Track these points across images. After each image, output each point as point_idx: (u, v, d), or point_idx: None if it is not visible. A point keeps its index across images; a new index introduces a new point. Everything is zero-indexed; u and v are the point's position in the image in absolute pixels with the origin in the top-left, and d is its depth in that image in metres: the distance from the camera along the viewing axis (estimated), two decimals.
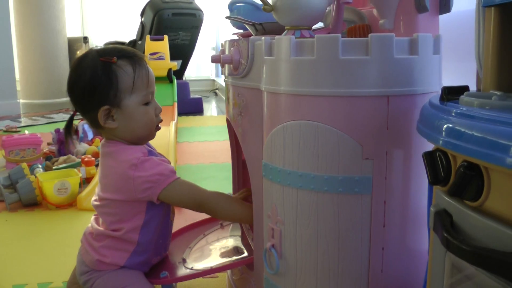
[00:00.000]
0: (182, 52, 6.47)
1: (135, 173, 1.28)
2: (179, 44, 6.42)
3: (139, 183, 1.29)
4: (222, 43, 1.42)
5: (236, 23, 1.56)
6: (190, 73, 7.60)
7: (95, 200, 1.40)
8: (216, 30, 8.25)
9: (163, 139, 3.45)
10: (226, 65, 1.35)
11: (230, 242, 1.56)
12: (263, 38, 1.13)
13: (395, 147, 1.00)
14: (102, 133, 1.38)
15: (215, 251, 1.51)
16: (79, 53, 1.38)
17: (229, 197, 1.41)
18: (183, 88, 5.89)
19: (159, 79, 5.38)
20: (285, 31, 1.17)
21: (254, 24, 1.36)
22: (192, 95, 6.24)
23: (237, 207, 1.39)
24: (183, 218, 2.08)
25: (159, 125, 1.40)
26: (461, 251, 0.60)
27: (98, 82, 1.30)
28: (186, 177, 2.86)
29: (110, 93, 1.29)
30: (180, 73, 6.58)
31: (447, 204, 0.68)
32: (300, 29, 1.15)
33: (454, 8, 1.21)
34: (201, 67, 8.45)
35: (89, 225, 1.43)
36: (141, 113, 1.33)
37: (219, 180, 2.88)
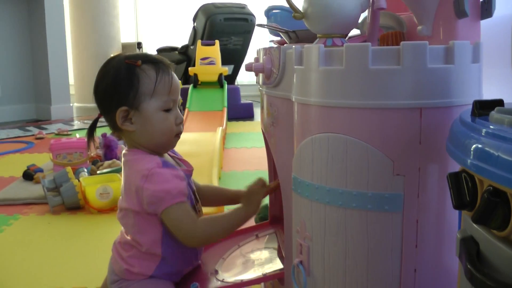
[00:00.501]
0: (234, 57, 6.47)
1: (145, 185, 1.25)
2: (231, 49, 6.43)
3: (146, 196, 1.26)
4: (257, 51, 1.39)
5: (273, 30, 1.53)
6: (242, 78, 7.59)
7: (119, 211, 1.38)
8: (269, 35, 8.21)
9: (209, 145, 3.44)
10: (260, 74, 1.31)
11: (265, 254, 1.52)
12: (294, 46, 1.09)
13: (428, 163, 0.94)
14: (123, 138, 1.38)
15: (248, 263, 1.47)
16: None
17: (217, 220, 1.36)
18: (234, 93, 5.88)
19: (209, 84, 5.41)
20: (317, 39, 1.12)
21: (288, 31, 1.32)
22: (244, 100, 6.22)
23: (228, 226, 1.35)
24: None
25: (179, 135, 1.37)
26: (484, 286, 0.54)
27: (120, 82, 1.30)
28: (230, 184, 2.89)
29: (130, 94, 1.28)
30: (232, 78, 6.58)
31: (475, 231, 0.62)
32: (332, 37, 1.10)
33: (500, 13, 1.14)
34: (253, 72, 8.43)
35: (119, 234, 1.42)
36: (160, 119, 1.30)
37: None
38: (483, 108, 0.71)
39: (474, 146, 0.60)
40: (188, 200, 1.32)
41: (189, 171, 1.38)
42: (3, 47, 5.99)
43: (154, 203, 1.26)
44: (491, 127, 0.62)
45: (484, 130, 0.62)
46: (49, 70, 5.99)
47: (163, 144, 1.34)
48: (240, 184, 2.95)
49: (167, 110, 1.31)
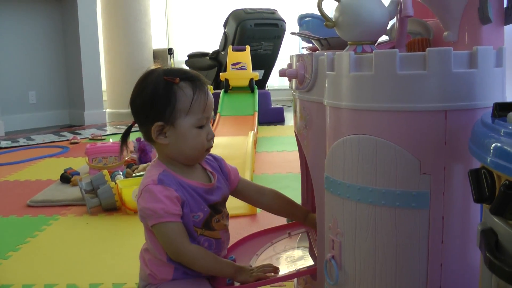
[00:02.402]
0: (264, 62, 6.54)
1: (139, 199, 1.36)
2: (262, 54, 6.49)
3: (139, 210, 1.36)
4: (290, 57, 1.45)
5: (305, 37, 1.59)
6: (272, 83, 7.66)
7: None
8: (300, 40, 8.26)
9: (241, 149, 3.50)
10: (293, 79, 1.37)
11: (297, 252, 1.57)
12: (325, 53, 1.15)
13: (453, 162, 0.99)
14: (155, 148, 1.44)
15: (281, 260, 1.52)
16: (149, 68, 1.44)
17: (208, 256, 1.38)
18: (265, 97, 5.94)
19: (240, 89, 5.48)
20: (348, 46, 1.18)
21: (319, 39, 1.38)
22: (274, 105, 6.28)
23: (214, 266, 1.38)
24: (253, 224, 2.12)
25: (209, 149, 1.43)
26: (502, 272, 0.60)
27: (157, 98, 1.35)
28: None
29: (167, 111, 1.34)
30: (262, 82, 6.64)
31: (493, 223, 0.68)
32: (362, 44, 1.16)
33: None
34: (285, 77, 8.46)
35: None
36: (193, 135, 1.36)
37: (294, 190, 2.85)
38: (503, 109, 0.77)
39: (492, 144, 0.65)
40: (201, 213, 1.38)
41: (209, 186, 1.43)
42: (37, 56, 6.16)
43: (144, 218, 1.35)
44: (509, 127, 0.67)
45: (502, 130, 0.67)
46: (82, 77, 6.15)
47: (193, 157, 1.41)
48: (272, 187, 3.01)
49: (200, 127, 1.37)
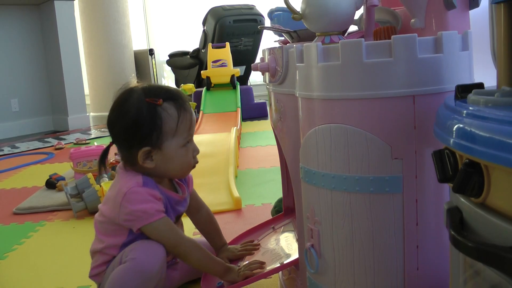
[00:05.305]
0: (245, 57, 6.53)
1: (123, 202, 1.33)
2: (242, 50, 6.49)
3: (123, 212, 1.33)
4: (262, 51, 1.46)
5: (276, 31, 1.60)
6: (255, 78, 7.65)
7: (99, 210, 1.47)
8: (275, 36, 8.25)
9: (224, 145, 3.51)
10: (266, 73, 1.39)
11: (282, 243, 1.59)
12: (295, 45, 1.16)
13: (423, 146, 1.01)
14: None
15: (267, 254, 1.54)
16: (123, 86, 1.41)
17: (202, 250, 1.41)
18: (247, 93, 5.95)
19: (222, 85, 5.49)
20: (316, 38, 1.20)
21: (289, 31, 1.39)
22: (257, 100, 6.29)
23: (206, 261, 1.41)
24: (238, 220, 2.13)
25: (195, 165, 1.43)
26: (465, 247, 0.62)
27: (142, 123, 1.32)
28: (246, 182, 2.94)
29: (153, 135, 1.32)
30: (244, 78, 6.64)
31: (458, 201, 0.70)
32: (330, 35, 1.17)
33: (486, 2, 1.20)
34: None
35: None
36: (180, 155, 1.36)
37: (279, 183, 2.88)
38: (465, 91, 0.78)
39: (454, 126, 0.67)
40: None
41: (181, 197, 1.44)
42: (18, 63, 6.13)
43: (131, 221, 1.33)
44: (470, 108, 0.69)
45: (464, 111, 0.69)
46: (64, 82, 6.12)
47: (178, 176, 1.41)
48: (256, 181, 3.03)
49: (186, 144, 1.37)
